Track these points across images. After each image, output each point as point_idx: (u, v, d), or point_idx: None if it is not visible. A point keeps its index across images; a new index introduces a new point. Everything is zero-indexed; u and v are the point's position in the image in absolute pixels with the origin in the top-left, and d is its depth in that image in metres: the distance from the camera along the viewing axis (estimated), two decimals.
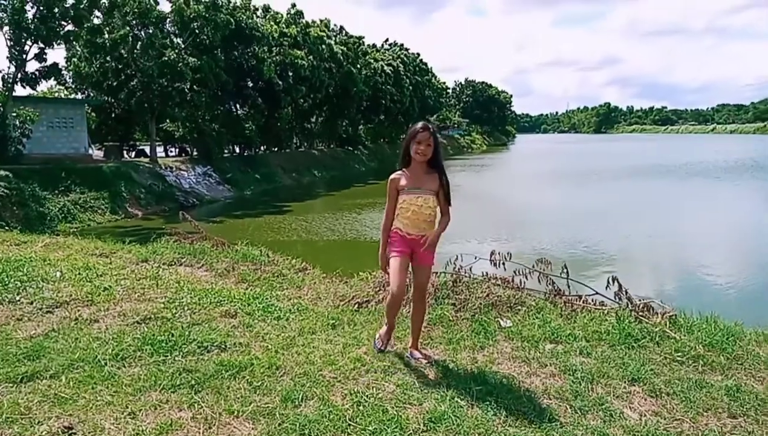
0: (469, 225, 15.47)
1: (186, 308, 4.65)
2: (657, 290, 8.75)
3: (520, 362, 3.71)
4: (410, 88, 49.57)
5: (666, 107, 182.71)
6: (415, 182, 3.53)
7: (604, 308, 4.64)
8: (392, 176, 3.62)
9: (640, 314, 4.30)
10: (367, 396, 3.12)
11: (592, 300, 4.85)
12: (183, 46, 28.87)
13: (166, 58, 26.40)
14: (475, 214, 17.75)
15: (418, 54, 56.02)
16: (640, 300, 4.56)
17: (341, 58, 38.77)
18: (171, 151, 35.03)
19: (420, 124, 3.51)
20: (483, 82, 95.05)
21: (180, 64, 26.60)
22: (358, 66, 42.22)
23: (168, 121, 30.75)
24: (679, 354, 3.66)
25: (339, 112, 42.36)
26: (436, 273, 5.52)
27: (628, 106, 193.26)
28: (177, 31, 29.02)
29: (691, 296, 8.57)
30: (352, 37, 44.52)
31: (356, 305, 4.90)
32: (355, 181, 31.94)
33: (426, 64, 58.52)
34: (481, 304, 4.70)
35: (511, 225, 14.75)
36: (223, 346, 3.83)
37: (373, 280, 5.49)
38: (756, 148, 56.30)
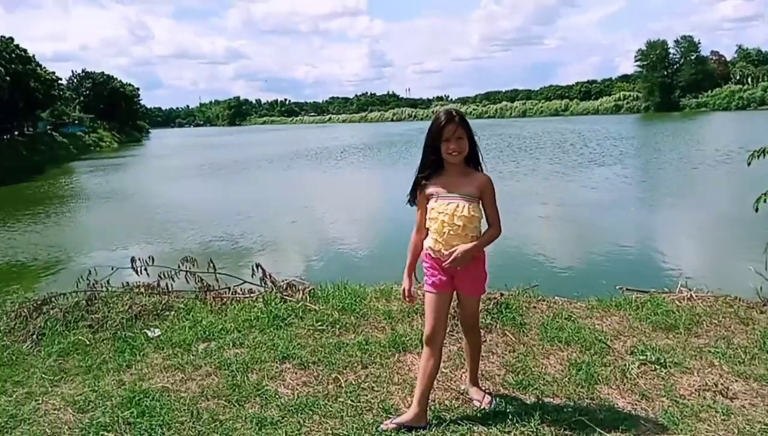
0: (106, 232, 13.94)
1: None
2: (303, 268, 9.55)
3: (174, 370, 3.51)
4: (8, 79, 41.17)
5: (290, 100, 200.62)
6: (448, 186, 2.73)
7: (252, 295, 4.78)
8: (420, 189, 2.82)
9: (285, 294, 4.58)
10: None
11: (241, 290, 4.94)
12: None
13: None
14: (111, 219, 16.11)
15: (11, 38, 46.82)
16: (283, 281, 4.87)
17: None
18: None
19: (443, 115, 2.70)
20: (103, 74, 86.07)
21: None
22: None
23: None
24: (320, 323, 4.04)
25: None
26: (65, 294, 4.77)
27: (256, 99, 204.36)
28: None
29: (329, 268, 9.64)
30: None
31: None
32: None
33: (26, 51, 49.52)
34: (123, 318, 4.26)
35: (152, 226, 13.89)
36: None
37: None
38: (361, 135, 67.17)
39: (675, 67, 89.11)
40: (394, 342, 3.67)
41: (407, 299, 2.93)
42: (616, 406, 2.86)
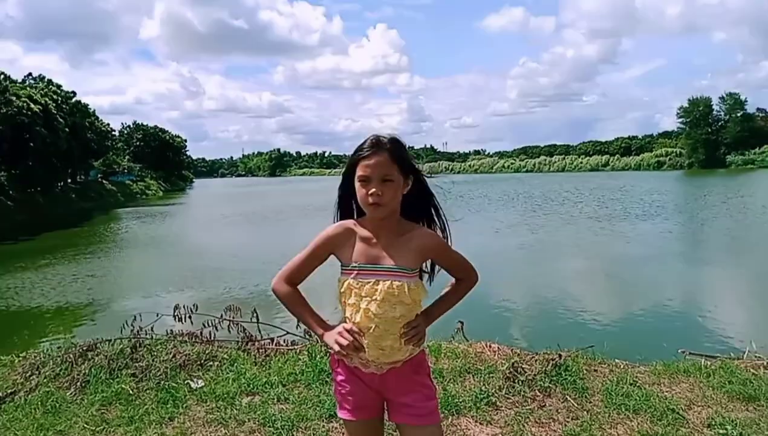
0: (149, 278, 14.17)
1: None
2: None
3: (217, 425, 3.38)
4: (67, 130, 43.61)
5: (330, 152, 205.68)
6: (372, 251, 1.78)
7: (296, 347, 4.65)
8: (332, 230, 1.85)
9: (329, 347, 4.43)
10: None
11: (284, 341, 4.83)
12: None
13: None
14: (155, 265, 16.43)
15: (74, 93, 49.96)
16: None
17: None
18: None
19: (367, 141, 1.76)
20: (155, 127, 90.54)
21: None
22: None
23: None
24: None
25: None
26: (110, 341, 4.74)
27: (296, 151, 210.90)
28: None
29: None
30: None
31: None
32: None
33: (86, 105, 52.72)
34: (167, 367, 4.17)
35: (195, 273, 14.05)
36: None
37: (21, 363, 4.36)
38: None
39: (720, 124, 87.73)
40: (446, 403, 3.45)
41: (341, 349, 1.77)
42: None
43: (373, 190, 1.71)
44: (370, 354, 1.77)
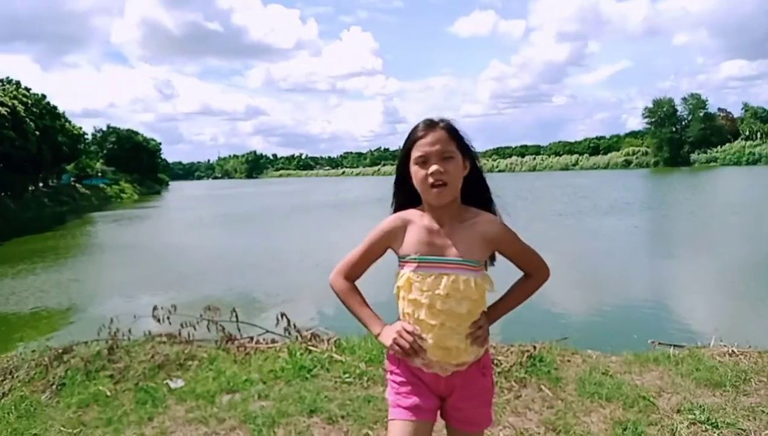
0: (127, 281, 13.94)
1: None
2: (326, 318, 9.33)
3: (197, 424, 3.38)
4: (37, 133, 42.59)
5: (306, 154, 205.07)
6: (434, 242, 1.66)
7: (276, 344, 4.67)
8: (387, 223, 1.74)
9: (309, 344, 4.46)
10: None
11: (264, 340, 4.84)
12: None
13: None
14: (133, 268, 16.16)
15: (44, 95, 48.80)
16: (307, 331, 4.76)
17: None
18: None
19: (419, 124, 1.66)
20: (129, 130, 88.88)
21: None
22: None
23: None
24: (347, 375, 3.91)
25: None
26: (86, 343, 4.70)
27: (273, 154, 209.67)
28: None
29: (353, 318, 9.46)
30: None
31: None
32: None
33: (56, 107, 51.53)
34: (145, 368, 4.16)
35: (174, 275, 13.90)
36: None
37: None
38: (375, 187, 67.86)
39: (683, 123, 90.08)
40: None
41: (400, 351, 1.66)
42: None
43: (435, 167, 1.59)
44: (434, 354, 1.65)
